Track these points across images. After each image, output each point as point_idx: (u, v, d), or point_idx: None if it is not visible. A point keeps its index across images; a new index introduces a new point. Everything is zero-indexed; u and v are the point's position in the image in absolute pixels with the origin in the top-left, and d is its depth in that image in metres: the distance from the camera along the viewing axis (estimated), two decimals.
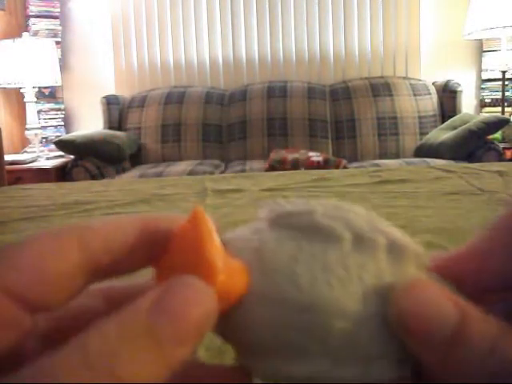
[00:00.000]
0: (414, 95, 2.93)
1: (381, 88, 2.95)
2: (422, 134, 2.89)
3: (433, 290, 0.16)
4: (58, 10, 3.17)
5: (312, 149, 2.72)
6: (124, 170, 2.70)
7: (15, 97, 3.04)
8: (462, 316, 0.15)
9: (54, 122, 3.20)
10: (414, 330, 0.15)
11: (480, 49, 3.17)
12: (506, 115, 2.83)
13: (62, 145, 2.52)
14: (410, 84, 2.98)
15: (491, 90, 3.17)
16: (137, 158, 2.88)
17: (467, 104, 3.07)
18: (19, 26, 3.09)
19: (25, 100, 2.82)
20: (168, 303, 0.14)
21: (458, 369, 0.15)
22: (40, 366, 0.13)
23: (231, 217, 0.79)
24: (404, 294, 0.16)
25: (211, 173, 2.43)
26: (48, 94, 3.17)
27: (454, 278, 0.18)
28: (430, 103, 2.94)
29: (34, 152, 2.82)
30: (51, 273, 0.15)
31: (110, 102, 3.02)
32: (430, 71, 3.16)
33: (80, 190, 1.11)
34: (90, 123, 3.12)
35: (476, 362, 0.14)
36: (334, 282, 0.16)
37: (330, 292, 0.16)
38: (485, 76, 3.18)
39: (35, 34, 3.05)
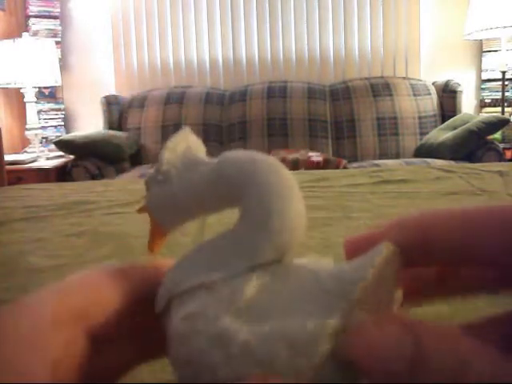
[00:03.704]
0: (414, 95, 2.93)
1: (381, 88, 2.94)
2: (422, 134, 2.89)
3: (382, 326, 0.15)
4: (58, 10, 3.17)
5: (312, 149, 2.72)
6: (124, 170, 2.70)
7: (15, 97, 3.04)
8: (416, 342, 0.14)
9: (54, 122, 3.20)
10: (372, 371, 0.15)
11: (480, 49, 3.17)
12: (506, 115, 2.83)
13: (61, 145, 2.52)
14: (410, 84, 2.98)
15: (491, 90, 3.17)
16: (137, 158, 2.88)
17: (467, 104, 3.07)
18: (19, 26, 3.09)
19: (25, 100, 2.82)
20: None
21: None
22: None
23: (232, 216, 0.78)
24: (353, 339, 0.15)
25: None
26: (48, 94, 3.17)
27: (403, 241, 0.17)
28: (430, 103, 2.94)
29: (34, 152, 2.82)
30: None
31: (110, 102, 3.01)
32: (430, 71, 3.16)
33: (80, 190, 1.11)
34: (90, 123, 3.12)
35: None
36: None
37: None
38: (485, 76, 3.18)
39: (35, 33, 3.05)
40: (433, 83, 3.02)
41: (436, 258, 0.18)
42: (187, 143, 0.23)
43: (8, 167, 2.29)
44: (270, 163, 0.20)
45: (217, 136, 2.92)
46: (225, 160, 0.21)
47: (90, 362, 0.19)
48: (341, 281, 0.17)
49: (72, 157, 2.58)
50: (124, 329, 0.21)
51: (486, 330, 0.18)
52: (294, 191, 0.20)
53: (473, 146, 2.51)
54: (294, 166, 2.32)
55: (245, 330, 0.16)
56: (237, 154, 0.21)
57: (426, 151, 2.73)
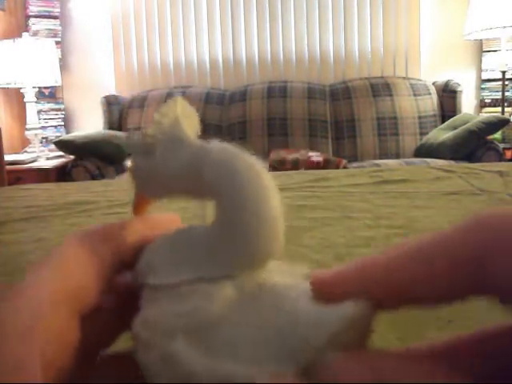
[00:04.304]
0: (414, 95, 2.93)
1: (381, 88, 2.94)
2: (422, 134, 2.89)
3: (346, 365, 0.15)
4: (58, 9, 3.17)
5: (312, 149, 2.72)
6: (124, 170, 2.70)
7: (15, 97, 3.04)
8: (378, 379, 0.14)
9: (54, 122, 3.20)
10: None
11: (480, 49, 3.17)
12: (506, 115, 2.83)
13: (61, 145, 2.52)
14: (410, 84, 2.98)
15: (491, 90, 3.17)
16: None
17: (467, 104, 3.07)
18: (19, 26, 3.09)
19: (25, 100, 2.82)
20: None
21: None
22: None
23: None
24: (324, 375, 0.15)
25: None
26: (48, 94, 3.17)
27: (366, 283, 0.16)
28: (430, 103, 2.94)
29: (34, 152, 2.82)
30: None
31: (110, 102, 3.02)
32: (430, 71, 3.16)
33: (80, 190, 1.11)
34: (90, 123, 3.12)
35: None
36: None
37: None
38: (485, 76, 3.18)
39: (35, 33, 3.05)
40: (433, 83, 3.02)
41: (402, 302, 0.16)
42: (176, 115, 0.22)
43: (8, 167, 2.30)
44: (250, 164, 0.19)
45: (217, 136, 2.89)
46: (205, 153, 0.20)
47: (81, 341, 0.19)
48: (296, 338, 0.16)
49: (72, 157, 2.58)
50: (106, 297, 0.20)
51: (457, 353, 0.17)
52: (273, 200, 0.18)
53: (473, 145, 2.51)
54: (294, 166, 2.32)
55: (195, 361, 0.16)
56: (218, 148, 0.20)
57: (426, 151, 2.73)
